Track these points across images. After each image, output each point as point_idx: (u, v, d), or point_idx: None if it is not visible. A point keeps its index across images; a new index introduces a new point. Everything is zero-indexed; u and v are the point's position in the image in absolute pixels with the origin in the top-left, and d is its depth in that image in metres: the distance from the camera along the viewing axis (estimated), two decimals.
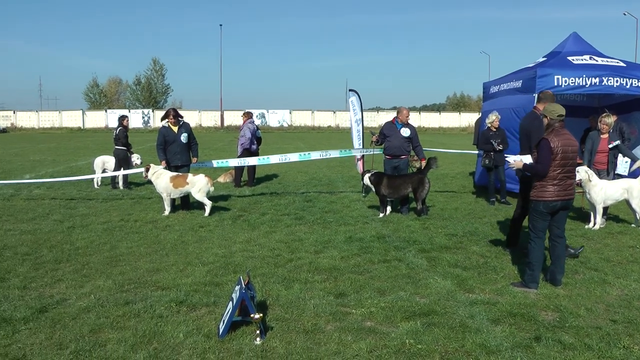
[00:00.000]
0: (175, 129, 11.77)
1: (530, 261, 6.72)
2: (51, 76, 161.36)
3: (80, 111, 75.43)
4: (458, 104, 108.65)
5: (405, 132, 11.73)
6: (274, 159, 14.68)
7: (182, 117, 12.19)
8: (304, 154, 14.75)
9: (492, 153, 12.88)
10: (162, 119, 11.98)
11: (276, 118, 75.32)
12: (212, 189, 11.42)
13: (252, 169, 16.03)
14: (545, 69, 13.55)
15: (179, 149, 11.81)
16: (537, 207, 6.73)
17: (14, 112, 74.10)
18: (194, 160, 12.19)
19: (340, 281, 6.92)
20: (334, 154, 14.72)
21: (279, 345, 5.01)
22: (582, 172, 10.07)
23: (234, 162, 14.97)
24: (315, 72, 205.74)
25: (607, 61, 14.15)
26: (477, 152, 15.66)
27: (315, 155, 14.64)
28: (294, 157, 14.75)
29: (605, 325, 5.52)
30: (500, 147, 12.88)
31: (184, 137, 11.77)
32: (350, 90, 15.60)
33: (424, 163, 11.80)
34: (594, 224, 10.18)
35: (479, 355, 4.80)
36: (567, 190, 6.67)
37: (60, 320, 5.57)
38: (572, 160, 6.67)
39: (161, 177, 11.33)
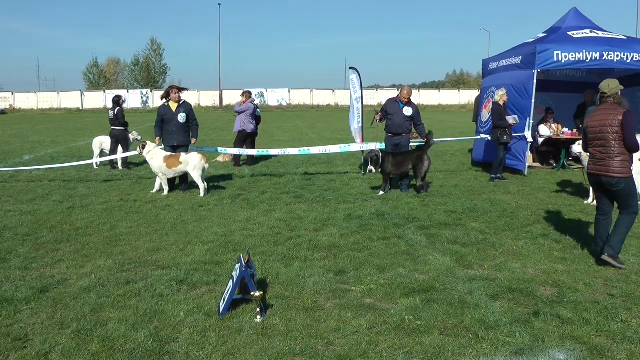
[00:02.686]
0: (174, 107, 11.51)
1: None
2: (49, 57, 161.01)
3: (79, 92, 75.06)
4: (457, 81, 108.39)
5: (407, 111, 11.70)
6: (273, 152, 14.93)
7: (181, 94, 11.87)
8: (304, 149, 14.86)
9: (506, 129, 12.85)
10: (163, 97, 11.81)
11: (275, 97, 74.96)
12: (206, 165, 11.33)
13: (251, 147, 16.02)
14: (545, 45, 13.48)
15: (176, 129, 11.51)
16: None
17: (12, 94, 73.73)
18: (193, 141, 11.92)
19: (340, 259, 6.93)
20: (334, 149, 14.69)
21: (279, 323, 5.03)
22: (580, 147, 10.07)
23: (234, 151, 15.03)
24: (315, 51, 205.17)
25: (608, 35, 14.04)
26: (476, 136, 15.63)
27: (315, 150, 14.64)
28: (293, 151, 14.89)
29: (604, 300, 5.55)
30: (516, 121, 12.89)
31: (181, 117, 11.45)
32: (350, 68, 15.52)
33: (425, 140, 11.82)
34: (593, 199, 10.18)
35: (478, 330, 4.82)
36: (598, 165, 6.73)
37: (62, 300, 5.59)
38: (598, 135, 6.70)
39: (155, 158, 11.24)
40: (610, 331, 4.83)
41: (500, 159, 13.05)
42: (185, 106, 11.66)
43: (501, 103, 13.02)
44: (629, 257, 6.98)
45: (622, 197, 6.71)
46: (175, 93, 11.57)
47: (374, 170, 11.10)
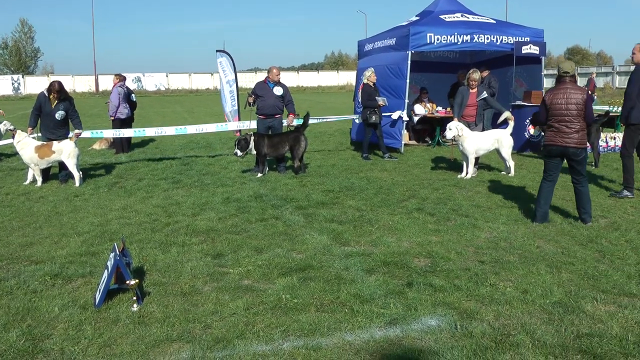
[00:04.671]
0: (54, 103, 10.72)
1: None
2: None
3: None
4: (336, 63, 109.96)
5: (278, 90, 11.62)
6: (150, 131, 14.58)
7: (65, 93, 10.95)
8: (180, 128, 14.60)
9: (376, 109, 13.05)
10: (47, 90, 10.84)
11: (153, 82, 72.94)
12: (79, 152, 10.77)
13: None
14: (418, 27, 13.86)
15: (52, 124, 10.78)
16: None
17: None
18: (77, 132, 10.91)
19: (218, 242, 6.82)
20: (211, 128, 14.52)
21: (157, 310, 4.89)
22: (454, 130, 10.48)
23: (109, 133, 14.40)
24: (192, 34, 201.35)
25: (478, 18, 14.66)
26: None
27: (191, 129, 14.46)
28: (170, 130, 14.54)
29: (474, 267, 5.75)
30: (385, 103, 13.13)
31: (59, 115, 10.72)
32: (218, 51, 15.29)
33: (292, 117, 11.86)
34: (467, 173, 10.58)
35: (353, 304, 4.85)
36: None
37: None
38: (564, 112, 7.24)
39: (26, 148, 10.53)
40: (479, 295, 5.01)
41: (367, 139, 13.34)
42: (65, 104, 10.80)
43: (370, 83, 13.24)
44: (499, 225, 7.30)
45: (581, 165, 7.35)
46: (56, 91, 10.68)
47: (239, 154, 10.97)
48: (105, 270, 5.19)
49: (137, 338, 4.40)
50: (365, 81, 13.36)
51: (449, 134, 10.68)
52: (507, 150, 10.75)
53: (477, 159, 10.92)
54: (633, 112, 8.63)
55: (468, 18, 14.56)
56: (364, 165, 12.28)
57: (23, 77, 70.41)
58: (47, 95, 10.77)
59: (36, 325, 4.68)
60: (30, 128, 10.90)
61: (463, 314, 4.63)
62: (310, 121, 12.06)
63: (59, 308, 4.98)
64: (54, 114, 10.71)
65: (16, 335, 4.47)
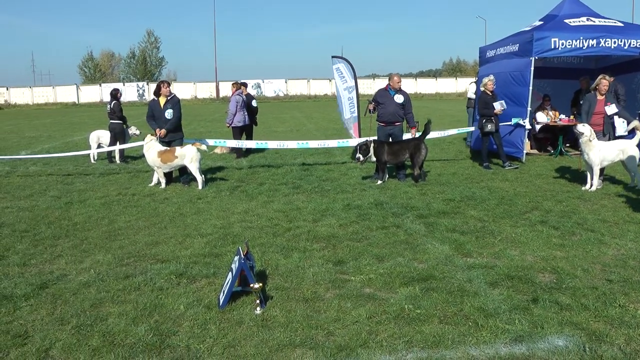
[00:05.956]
0: (162, 102, 11.40)
1: None
2: (44, 51, 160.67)
3: (75, 86, 74.93)
4: (454, 69, 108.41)
5: (398, 98, 11.65)
6: (272, 144, 14.72)
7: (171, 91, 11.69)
8: (302, 143, 14.73)
9: (492, 117, 12.85)
10: (154, 93, 11.67)
11: (272, 88, 74.85)
12: (201, 156, 11.26)
13: (250, 139, 15.97)
14: (542, 32, 13.49)
15: (164, 125, 11.38)
16: None
17: (7, 89, 73.47)
18: (160, 132, 11.36)
19: (339, 249, 6.93)
20: (332, 144, 14.60)
21: (279, 314, 5.02)
22: (587, 128, 10.06)
23: (232, 143, 14.84)
24: (311, 40, 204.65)
25: (605, 22, 14.06)
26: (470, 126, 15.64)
27: (313, 144, 14.59)
28: (292, 144, 14.69)
29: (602, 285, 5.55)
30: (503, 107, 12.90)
31: (168, 114, 11.34)
32: (333, 57, 15.35)
33: (413, 131, 11.81)
34: (591, 185, 10.19)
35: (478, 318, 4.82)
36: None
37: (61, 296, 5.58)
38: None
39: (150, 151, 11.16)
40: (608, 316, 4.83)
41: (485, 147, 13.10)
42: (172, 101, 11.46)
43: (488, 91, 13.00)
44: (627, 242, 6.99)
45: None
46: (166, 87, 11.44)
47: (361, 158, 11.08)
48: (230, 273, 5.38)
49: (260, 341, 4.54)
50: (482, 89, 13.17)
51: (581, 128, 10.22)
52: (634, 162, 10.23)
53: (602, 170, 10.46)
54: None
55: (594, 21, 13.98)
56: (484, 175, 12.10)
57: (148, 84, 74.14)
58: (156, 98, 11.49)
59: (163, 321, 4.95)
60: (157, 130, 11.43)
61: (592, 335, 4.49)
62: (432, 135, 11.99)
63: (184, 306, 5.23)
64: (164, 114, 11.37)
65: (144, 330, 4.75)
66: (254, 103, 16.34)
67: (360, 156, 11.07)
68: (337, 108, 17.36)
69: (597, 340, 4.42)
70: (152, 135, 11.40)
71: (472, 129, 15.27)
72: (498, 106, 12.88)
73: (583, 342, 4.40)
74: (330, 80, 75.35)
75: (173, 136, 11.54)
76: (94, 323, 4.92)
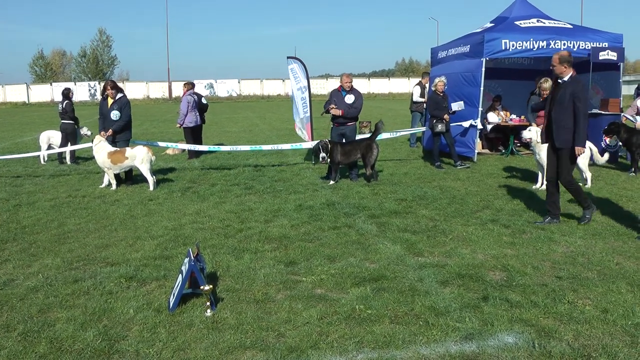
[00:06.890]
0: (109, 102, 11.22)
1: None
2: None
3: (25, 85, 73.02)
4: (407, 70, 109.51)
5: (349, 99, 11.61)
6: (225, 149, 15.00)
7: (121, 90, 11.52)
8: (255, 147, 14.90)
9: (443, 119, 12.94)
10: (102, 92, 11.48)
11: (225, 88, 74.40)
12: (153, 158, 11.05)
13: (200, 139, 15.78)
14: (492, 34, 13.68)
15: (110, 125, 11.20)
16: None
17: None
18: (106, 133, 11.16)
19: (291, 249, 6.88)
20: (285, 147, 14.58)
21: (230, 316, 4.96)
22: (533, 132, 10.20)
23: (183, 146, 14.85)
24: (265, 41, 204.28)
25: (555, 23, 14.35)
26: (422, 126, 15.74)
27: (266, 147, 14.60)
28: (244, 148, 14.94)
29: (551, 282, 5.62)
30: (461, 108, 13.01)
31: (114, 115, 11.15)
32: (289, 57, 15.33)
33: (339, 111, 11.59)
34: (542, 184, 10.32)
35: (428, 317, 4.81)
36: None
37: (8, 302, 5.38)
38: None
39: (100, 152, 10.92)
40: (557, 313, 4.88)
41: (436, 147, 13.22)
42: (119, 102, 11.25)
43: (439, 92, 13.13)
44: (576, 239, 7.10)
45: None
46: (109, 89, 11.23)
47: (326, 157, 11.03)
48: (180, 275, 5.29)
49: (210, 344, 4.47)
50: (433, 89, 13.28)
51: (527, 134, 10.38)
52: (583, 161, 10.43)
53: None
54: None
55: (544, 23, 14.26)
56: (436, 174, 12.18)
57: (99, 83, 72.78)
58: (104, 99, 11.32)
59: (112, 325, 4.83)
60: (101, 132, 11.25)
61: (541, 332, 4.53)
62: (385, 136, 12.01)
63: (134, 310, 5.12)
64: (109, 114, 11.21)
65: (93, 335, 4.62)
66: (203, 100, 16.13)
67: (324, 155, 11.01)
68: (292, 108, 17.28)
69: (546, 337, 4.45)
70: (101, 136, 11.13)
71: (423, 129, 15.37)
72: (456, 107, 13.00)
73: (532, 338, 4.42)
74: (283, 81, 75.44)
75: (119, 137, 11.33)
76: (42, 329, 4.76)
